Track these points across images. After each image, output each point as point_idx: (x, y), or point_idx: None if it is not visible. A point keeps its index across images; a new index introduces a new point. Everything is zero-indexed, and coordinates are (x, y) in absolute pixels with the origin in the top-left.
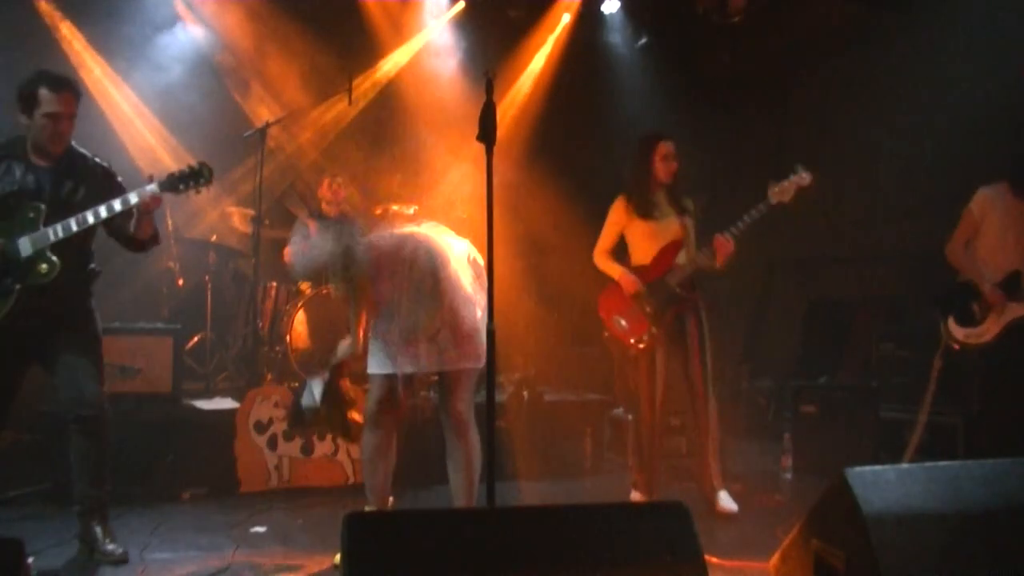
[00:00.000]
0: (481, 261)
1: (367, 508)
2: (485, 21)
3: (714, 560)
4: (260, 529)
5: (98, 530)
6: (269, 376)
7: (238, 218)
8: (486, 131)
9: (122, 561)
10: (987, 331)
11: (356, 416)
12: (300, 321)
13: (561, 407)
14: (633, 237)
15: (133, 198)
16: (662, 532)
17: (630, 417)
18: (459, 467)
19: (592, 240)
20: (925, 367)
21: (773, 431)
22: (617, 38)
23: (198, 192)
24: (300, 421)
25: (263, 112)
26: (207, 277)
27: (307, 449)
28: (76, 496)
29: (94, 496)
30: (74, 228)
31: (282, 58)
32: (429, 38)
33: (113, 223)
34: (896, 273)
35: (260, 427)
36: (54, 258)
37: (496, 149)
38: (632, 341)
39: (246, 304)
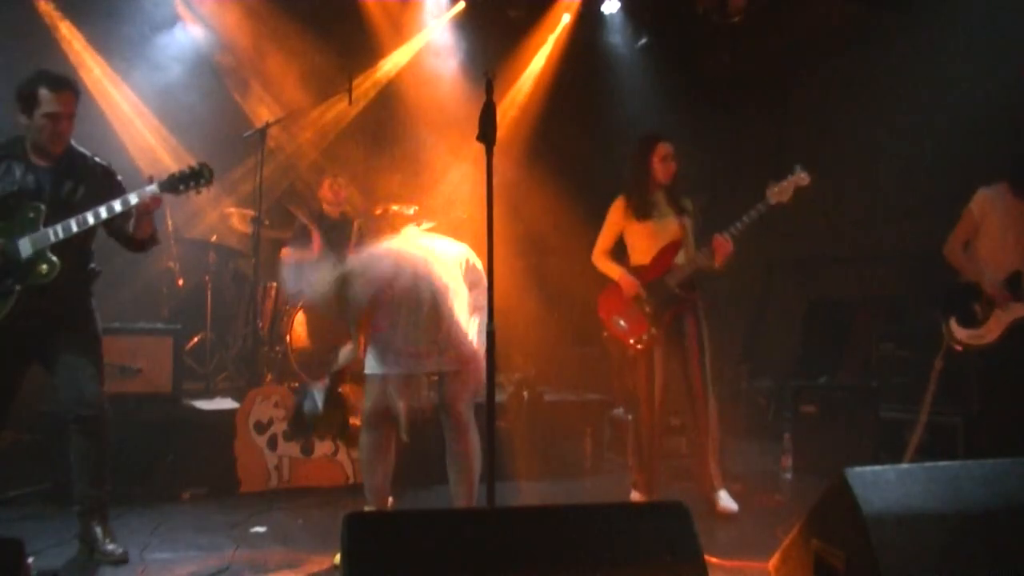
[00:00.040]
0: (480, 265)
1: (366, 508)
2: (485, 21)
3: (714, 560)
4: (260, 529)
5: (98, 530)
6: (269, 376)
7: (238, 218)
8: (486, 131)
9: (122, 561)
10: (990, 332)
11: (357, 421)
12: (300, 321)
13: (561, 407)
14: (632, 238)
15: (133, 199)
16: (662, 532)
17: (630, 417)
18: (459, 467)
19: (592, 240)
20: (925, 367)
21: (773, 431)
22: (617, 38)
23: (198, 193)
24: (303, 428)
25: (263, 112)
26: (207, 277)
27: (307, 449)
28: (76, 496)
29: (94, 496)
30: (74, 229)
31: (282, 58)
32: (429, 38)
33: (113, 223)
34: (896, 273)
35: (260, 427)
36: (54, 259)
37: (496, 149)
38: (631, 341)
39: (246, 304)
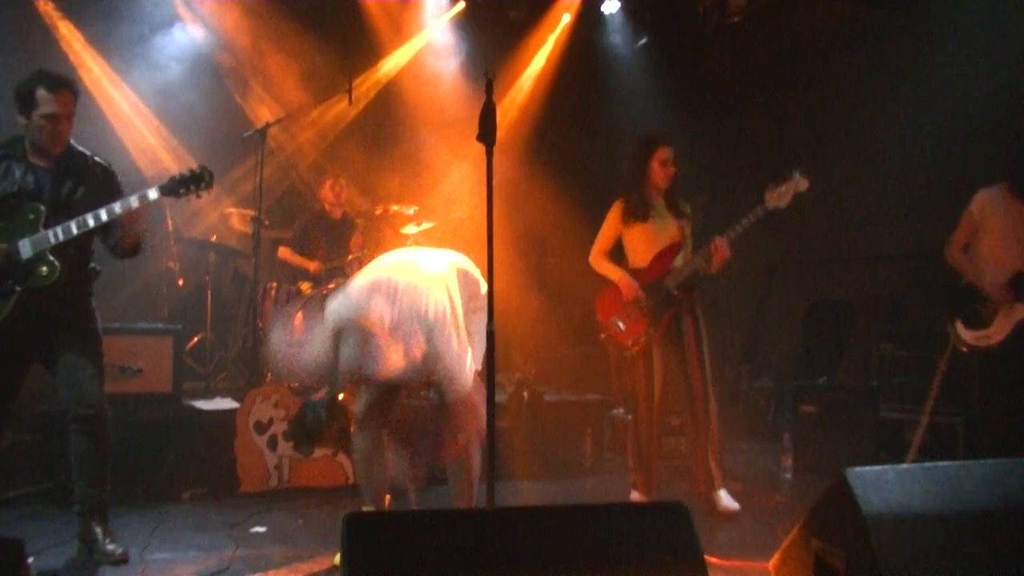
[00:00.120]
0: (476, 273)
1: (364, 508)
2: (485, 21)
3: (714, 560)
4: (260, 529)
5: (98, 530)
6: (269, 376)
7: (238, 218)
8: (486, 131)
9: (122, 561)
10: (996, 333)
11: None
12: (300, 321)
13: (561, 407)
14: (630, 240)
15: (134, 202)
16: (662, 532)
17: (630, 417)
18: (459, 467)
19: (592, 240)
20: (925, 367)
21: (773, 431)
22: (617, 38)
23: (199, 196)
24: (306, 441)
25: (263, 112)
26: (207, 277)
27: None
28: (76, 496)
29: (94, 496)
30: (75, 231)
31: (282, 58)
32: (429, 38)
33: (104, 228)
34: (896, 273)
35: (260, 427)
36: (55, 261)
37: (496, 149)
38: (630, 343)
39: (246, 304)
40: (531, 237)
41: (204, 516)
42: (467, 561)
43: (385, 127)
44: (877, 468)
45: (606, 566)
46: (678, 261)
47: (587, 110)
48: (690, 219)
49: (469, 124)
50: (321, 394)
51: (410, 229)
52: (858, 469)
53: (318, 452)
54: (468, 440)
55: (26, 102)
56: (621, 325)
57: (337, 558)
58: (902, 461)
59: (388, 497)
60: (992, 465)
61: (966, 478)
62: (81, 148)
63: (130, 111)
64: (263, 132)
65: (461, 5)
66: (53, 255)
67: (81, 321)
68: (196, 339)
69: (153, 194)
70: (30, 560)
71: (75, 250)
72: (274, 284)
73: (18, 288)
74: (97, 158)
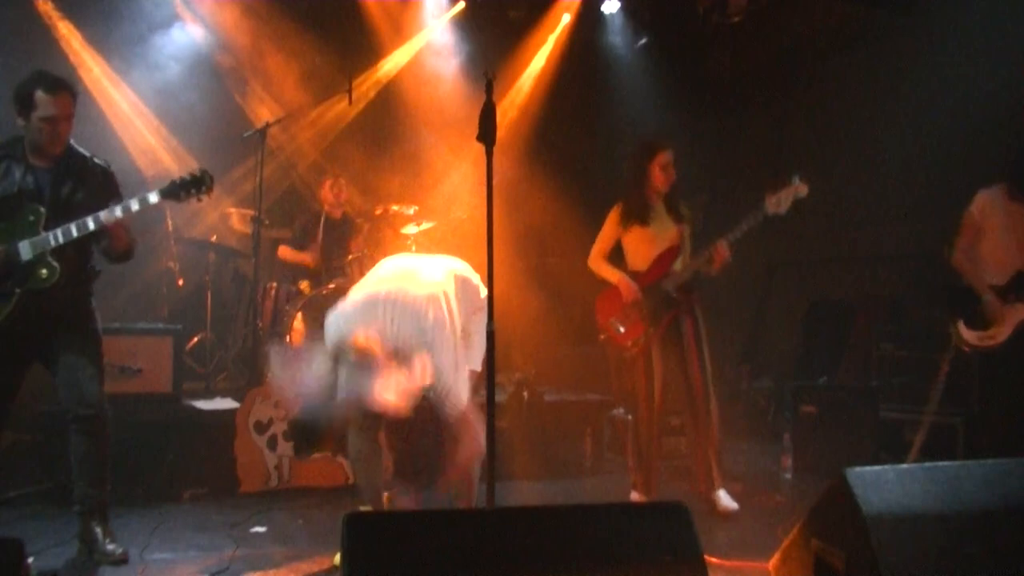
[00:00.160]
0: (476, 280)
1: (362, 508)
2: (485, 21)
3: (714, 560)
4: (260, 529)
5: (98, 530)
6: (269, 376)
7: (238, 218)
8: (486, 131)
9: (122, 561)
10: (999, 333)
11: None
12: (300, 321)
13: (561, 407)
14: (630, 243)
15: (134, 205)
16: (662, 532)
17: (630, 417)
18: (459, 494)
19: (592, 239)
20: (925, 367)
21: (773, 431)
22: (617, 38)
23: (199, 200)
24: (305, 444)
25: (263, 112)
26: (207, 277)
27: None
28: (76, 496)
29: (94, 496)
30: (74, 234)
31: (282, 58)
32: (429, 38)
33: (97, 232)
34: (896, 273)
35: (260, 427)
36: (54, 264)
37: (496, 149)
38: (629, 344)
39: (246, 304)
40: (531, 237)
41: (204, 516)
42: (467, 561)
43: (385, 127)
44: (877, 468)
45: (606, 566)
46: (677, 264)
47: (587, 110)
48: (690, 222)
49: (469, 124)
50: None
51: (410, 229)
52: (858, 469)
53: (317, 455)
54: (468, 462)
55: (25, 104)
56: (620, 327)
57: (337, 558)
58: (902, 461)
59: (387, 496)
60: (992, 465)
61: (966, 478)
62: (81, 149)
63: (130, 111)
64: (263, 132)
65: (461, 5)
66: (52, 257)
67: (81, 321)
68: (196, 339)
69: (154, 197)
70: (30, 560)
71: (74, 251)
72: (274, 284)
73: (18, 290)
74: (96, 159)
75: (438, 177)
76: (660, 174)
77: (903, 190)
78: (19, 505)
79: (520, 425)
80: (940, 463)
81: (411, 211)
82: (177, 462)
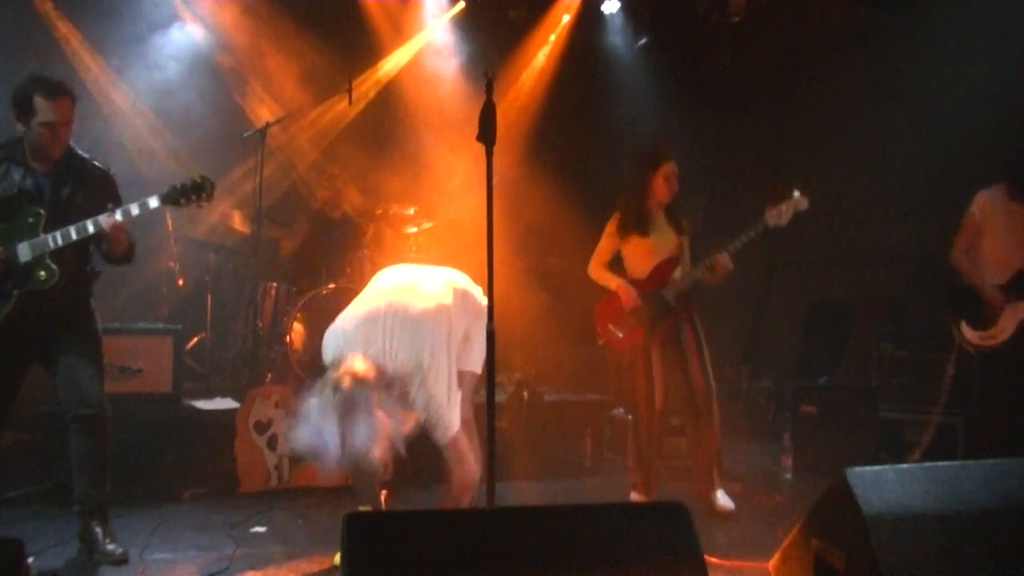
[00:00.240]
0: (477, 293)
1: (360, 508)
2: (485, 21)
3: (714, 560)
4: (260, 529)
5: (98, 530)
6: (269, 376)
7: (238, 218)
8: (486, 131)
9: (122, 561)
10: (1002, 332)
11: None
12: (300, 321)
13: (561, 407)
14: (629, 252)
15: (134, 210)
16: (662, 532)
17: (630, 417)
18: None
19: (592, 238)
20: (925, 367)
21: (773, 431)
22: (617, 38)
23: (200, 206)
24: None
25: (263, 112)
26: (207, 277)
27: None
28: (76, 496)
29: (94, 496)
30: (74, 236)
31: (282, 58)
32: (429, 38)
33: (97, 235)
34: (896, 273)
35: (260, 427)
36: (53, 266)
37: (496, 149)
38: (628, 349)
39: (246, 304)
40: (531, 237)
41: (204, 516)
42: (467, 561)
43: (385, 127)
44: (877, 468)
45: (606, 566)
46: (676, 273)
47: (587, 110)
48: (689, 234)
49: (469, 124)
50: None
51: (410, 229)
52: (858, 469)
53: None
54: (461, 492)
55: (23, 109)
56: (619, 333)
57: (337, 558)
58: (902, 461)
59: (385, 494)
60: (992, 465)
61: (966, 478)
62: (81, 152)
63: (129, 111)
64: (263, 132)
65: (461, 5)
66: (51, 259)
67: (81, 322)
68: (196, 339)
69: (154, 202)
70: (30, 560)
71: (73, 253)
72: (274, 284)
73: (16, 291)
74: (96, 162)
75: (438, 177)
76: (663, 185)
77: (903, 190)
78: (19, 505)
79: (520, 425)
80: (940, 463)
81: (411, 211)
82: (177, 462)
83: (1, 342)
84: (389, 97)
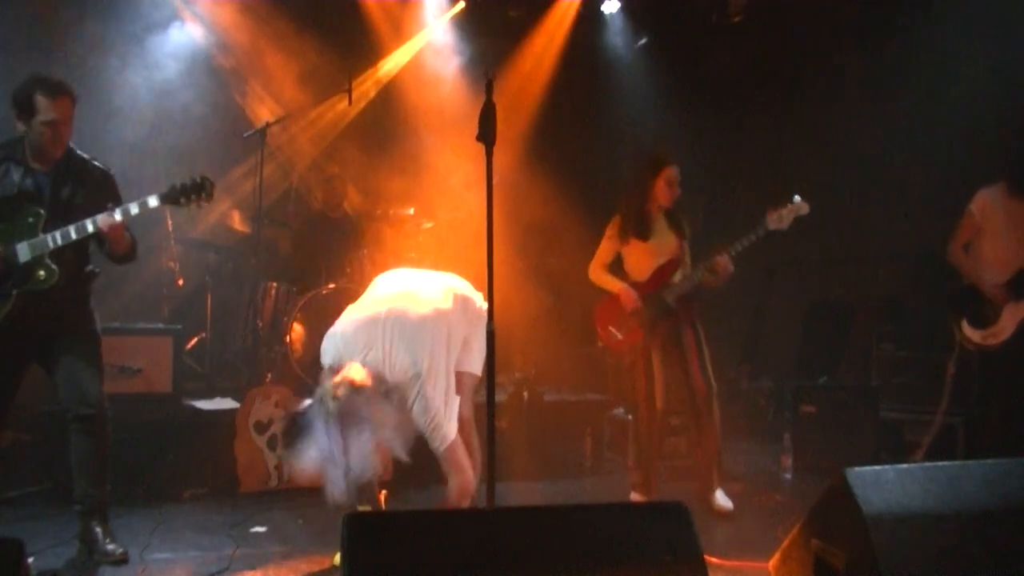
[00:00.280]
0: (478, 299)
1: (360, 508)
2: (485, 21)
3: (714, 560)
4: (260, 529)
5: (98, 530)
6: (269, 376)
7: (238, 218)
8: (486, 131)
9: (122, 561)
10: (1003, 330)
11: None
12: (299, 321)
13: (561, 407)
14: (630, 256)
15: (134, 209)
16: (662, 532)
17: (630, 417)
18: None
19: (592, 238)
20: (925, 367)
21: (773, 431)
22: (617, 38)
23: (199, 206)
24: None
25: (263, 112)
26: (207, 277)
27: None
28: (76, 496)
29: (94, 496)
30: (73, 236)
31: (282, 58)
32: (429, 38)
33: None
34: (896, 273)
35: (260, 427)
36: (53, 266)
37: (496, 149)
38: (628, 350)
39: (246, 304)
40: (531, 237)
41: (204, 516)
42: (467, 561)
43: (385, 127)
44: (877, 468)
45: (606, 566)
46: (677, 276)
47: (587, 110)
48: (689, 239)
49: (469, 124)
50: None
51: (410, 229)
52: (858, 469)
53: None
54: (457, 500)
55: (24, 108)
56: (619, 335)
57: (337, 558)
58: (902, 461)
59: (385, 494)
60: (992, 465)
61: (966, 478)
62: (80, 152)
63: (128, 111)
64: (263, 132)
65: (461, 5)
66: (51, 259)
67: (80, 322)
68: (196, 339)
69: (153, 202)
70: (30, 560)
71: (73, 253)
72: (274, 284)
73: (15, 291)
74: (96, 163)
75: (438, 177)
76: (665, 189)
77: (903, 190)
78: (19, 505)
79: (520, 425)
80: (940, 463)
81: (410, 211)
82: (177, 462)
83: (1, 342)
84: (389, 97)
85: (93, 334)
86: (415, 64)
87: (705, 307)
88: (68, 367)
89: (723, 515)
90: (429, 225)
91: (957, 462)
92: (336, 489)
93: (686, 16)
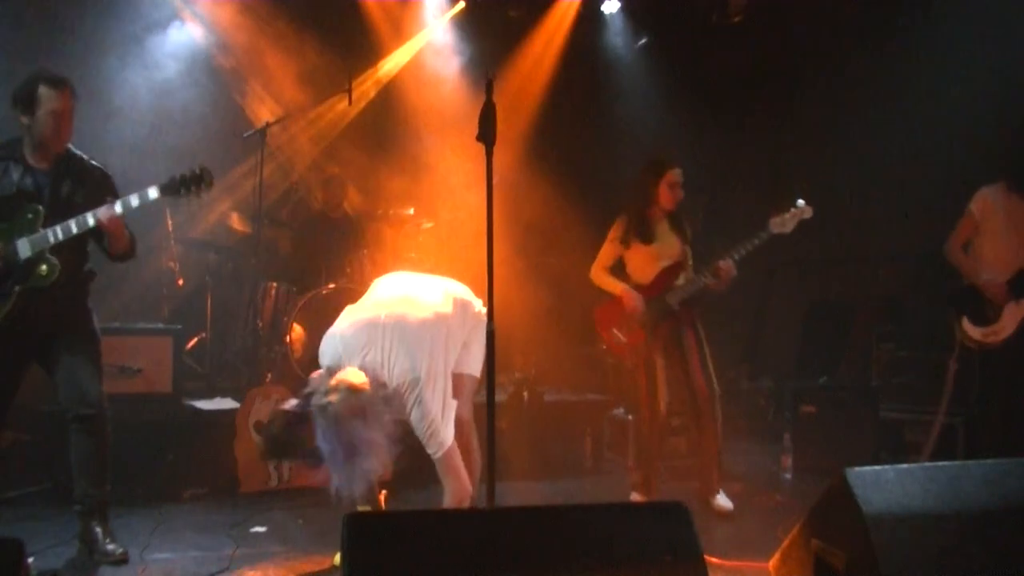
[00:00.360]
0: (478, 304)
1: (359, 508)
2: (485, 21)
3: (714, 560)
4: (260, 529)
5: (98, 530)
6: (269, 376)
7: (237, 219)
8: (486, 131)
9: (122, 561)
10: (1004, 328)
11: None
12: (299, 321)
13: (561, 407)
14: (632, 259)
15: (134, 201)
16: (662, 532)
17: (630, 417)
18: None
19: (592, 238)
20: (925, 367)
21: (773, 431)
22: (617, 38)
23: (199, 196)
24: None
25: (263, 112)
26: (207, 277)
27: None
28: (76, 496)
29: (94, 496)
30: (74, 230)
31: (281, 57)
32: (429, 38)
33: (99, 231)
34: (896, 273)
35: (260, 427)
36: (54, 260)
37: (496, 149)
38: (630, 352)
39: (246, 304)
40: (531, 236)
41: (204, 516)
42: (467, 561)
43: (385, 127)
44: (877, 468)
45: (606, 566)
46: (680, 280)
47: (587, 110)
48: (690, 242)
49: (469, 124)
50: (290, 404)
51: (410, 229)
52: (858, 469)
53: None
54: (454, 505)
55: (28, 101)
56: (621, 337)
57: (337, 558)
58: (902, 461)
59: (385, 494)
60: (992, 465)
61: (966, 478)
62: (78, 151)
63: (128, 110)
64: (263, 132)
65: (461, 5)
66: (52, 255)
67: (79, 322)
68: (196, 339)
69: (153, 193)
70: (30, 560)
71: (72, 252)
72: (274, 284)
73: (17, 288)
74: (94, 162)
75: (438, 177)
76: (668, 192)
77: (903, 190)
78: (19, 505)
79: (520, 425)
80: (940, 463)
81: (410, 211)
82: (177, 462)
83: (1, 342)
84: (389, 97)
85: (92, 334)
86: (415, 64)
87: (705, 308)
88: (68, 367)
89: (723, 515)
90: (429, 225)
91: (957, 462)
92: (335, 489)
93: (686, 16)
